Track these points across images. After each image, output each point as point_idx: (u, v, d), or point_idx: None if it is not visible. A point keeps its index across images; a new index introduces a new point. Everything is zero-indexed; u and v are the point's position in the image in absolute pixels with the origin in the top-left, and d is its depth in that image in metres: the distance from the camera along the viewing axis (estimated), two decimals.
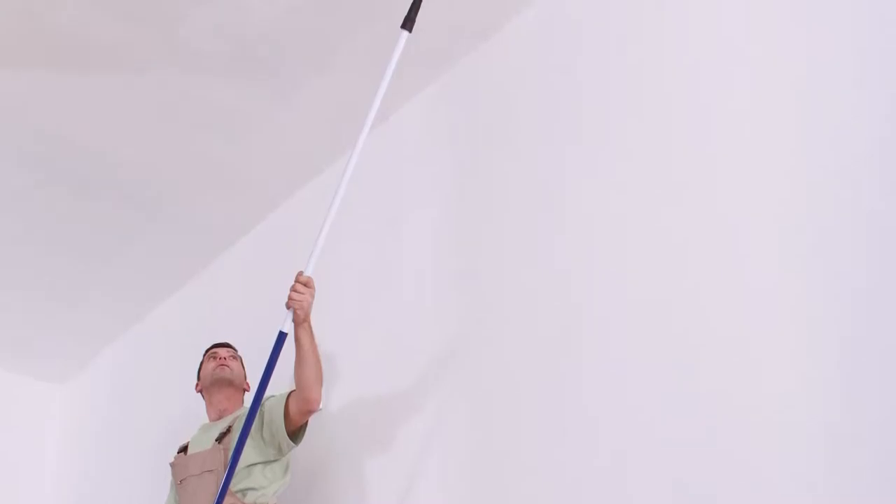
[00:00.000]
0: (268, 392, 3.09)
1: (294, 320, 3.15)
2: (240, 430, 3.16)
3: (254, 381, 3.40)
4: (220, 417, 3.76)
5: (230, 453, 3.27)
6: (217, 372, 3.81)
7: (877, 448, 2.32)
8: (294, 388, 3.39)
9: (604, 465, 2.89)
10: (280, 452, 3.49)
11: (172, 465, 3.72)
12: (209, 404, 3.84)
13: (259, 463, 3.46)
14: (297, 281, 3.13)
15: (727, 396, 2.61)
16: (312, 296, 3.16)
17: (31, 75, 3.77)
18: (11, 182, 4.33)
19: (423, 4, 3.11)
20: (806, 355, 2.47)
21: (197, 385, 3.92)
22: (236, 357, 3.91)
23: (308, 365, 3.29)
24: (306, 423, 3.48)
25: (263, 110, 4.00)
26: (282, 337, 3.05)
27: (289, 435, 3.43)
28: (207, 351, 3.94)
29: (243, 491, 3.41)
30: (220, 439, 3.59)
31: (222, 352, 3.89)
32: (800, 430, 2.45)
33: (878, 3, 2.57)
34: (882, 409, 2.32)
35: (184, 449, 3.75)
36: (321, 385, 3.37)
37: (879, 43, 2.54)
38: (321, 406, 3.44)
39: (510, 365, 3.24)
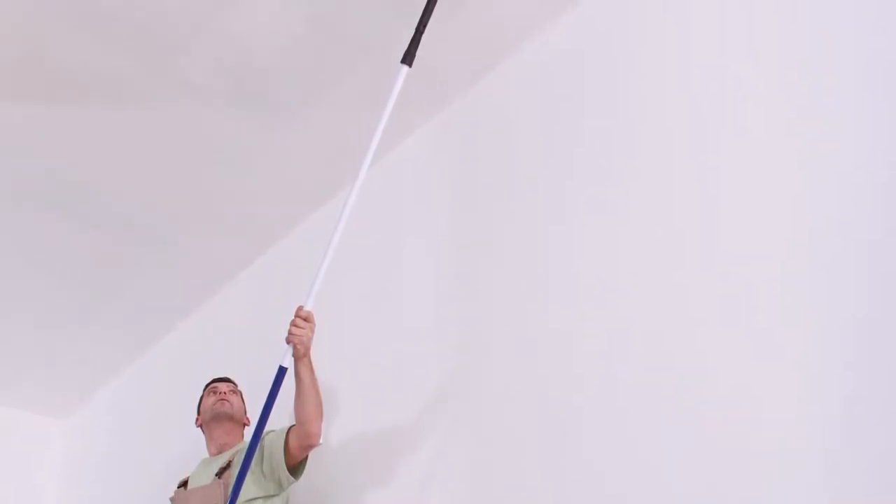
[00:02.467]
0: (268, 426, 3.08)
1: (294, 355, 3.15)
2: (240, 464, 3.16)
3: (254, 416, 3.40)
4: (220, 452, 3.75)
5: (230, 488, 3.26)
6: (217, 407, 3.80)
7: (878, 485, 2.32)
8: (294, 422, 3.39)
9: (604, 496, 2.88)
10: (280, 487, 3.48)
11: (172, 499, 3.71)
12: (209, 439, 3.84)
13: (259, 497, 3.45)
14: (296, 315, 3.12)
15: (728, 436, 2.60)
16: (312, 330, 3.15)
17: (32, 110, 3.78)
18: (11, 216, 4.33)
19: (423, 39, 3.13)
20: (808, 395, 2.47)
21: (197, 420, 3.91)
22: (236, 391, 3.91)
23: (308, 400, 3.28)
24: (306, 458, 3.47)
25: (264, 144, 4.01)
26: (282, 372, 3.04)
27: (289, 469, 3.42)
28: (207, 385, 3.94)
29: None
30: (220, 474, 3.58)
31: (222, 386, 3.89)
32: (801, 468, 2.45)
33: (880, 33, 2.58)
34: (884, 448, 2.31)
35: (184, 483, 3.74)
36: (321, 420, 3.36)
37: (882, 73, 2.55)
38: (321, 440, 3.43)
39: (510, 398, 3.23)
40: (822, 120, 2.64)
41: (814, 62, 2.72)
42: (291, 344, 3.12)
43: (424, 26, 3.13)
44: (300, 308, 3.12)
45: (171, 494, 3.74)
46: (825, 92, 2.66)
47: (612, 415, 2.91)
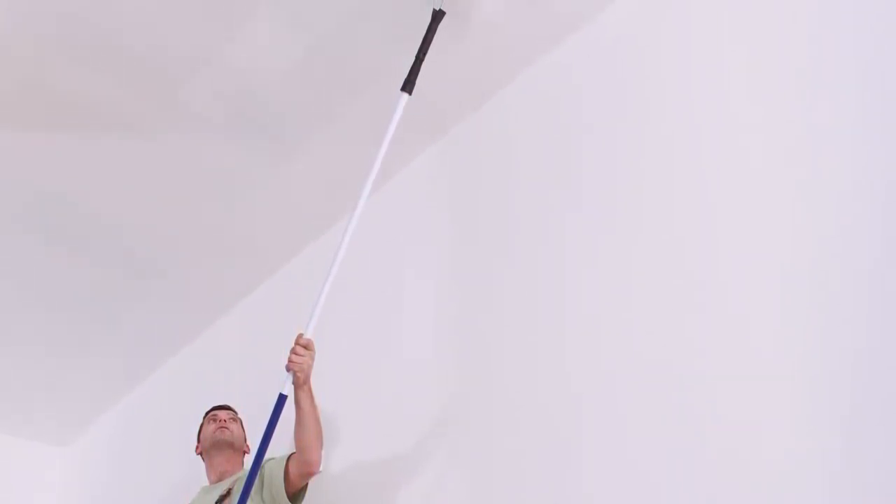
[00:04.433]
0: (268, 454, 3.07)
1: (294, 383, 3.14)
2: (240, 492, 3.15)
3: (254, 444, 3.39)
4: (220, 479, 3.75)
5: None
6: (217, 434, 3.80)
7: None
8: (294, 450, 3.38)
9: None
10: None
11: None
12: (209, 466, 3.83)
13: None
14: (297, 343, 3.12)
15: (729, 459, 2.59)
16: (312, 358, 3.15)
17: (32, 138, 3.79)
18: (11, 244, 4.34)
19: (422, 67, 3.14)
20: (808, 418, 2.46)
21: (197, 447, 3.91)
22: (236, 419, 3.90)
23: (308, 427, 3.28)
24: (306, 486, 3.46)
25: (264, 173, 4.02)
26: (282, 399, 3.04)
27: (289, 497, 3.41)
28: (207, 413, 3.93)
29: None
30: (220, 501, 3.57)
31: (222, 414, 3.88)
32: (802, 491, 2.44)
33: (880, 70, 2.59)
34: (884, 469, 2.31)
35: None
36: (321, 447, 3.36)
37: (881, 94, 2.55)
38: (321, 468, 3.42)
39: (511, 427, 3.22)
40: (821, 143, 2.65)
41: (813, 85, 2.72)
42: (291, 371, 3.11)
43: (424, 54, 3.15)
44: (300, 336, 3.12)
45: None
46: (824, 115, 2.67)
47: (613, 442, 2.90)
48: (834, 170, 2.60)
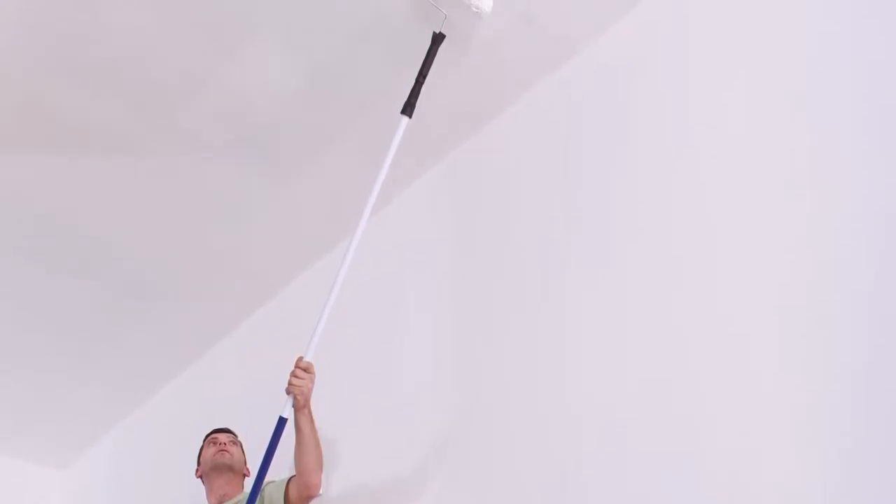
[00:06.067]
0: (268, 477, 3.07)
1: (294, 406, 3.14)
2: None
3: (254, 467, 3.38)
4: (220, 503, 3.74)
5: None
6: (217, 457, 3.79)
7: None
8: (294, 473, 3.37)
9: None
10: None
11: None
12: (209, 490, 3.82)
13: None
14: (297, 366, 3.12)
15: (728, 484, 2.59)
16: (312, 381, 3.15)
17: (32, 161, 3.80)
18: (11, 268, 4.34)
19: (422, 90, 3.15)
20: (807, 443, 2.46)
21: (197, 470, 3.90)
22: (236, 442, 3.90)
23: (308, 450, 3.27)
24: None
25: (264, 196, 4.02)
26: (282, 422, 3.04)
27: None
28: (207, 436, 3.93)
29: None
30: None
31: (222, 437, 3.88)
32: None
33: (877, 92, 2.59)
34: (883, 497, 2.30)
35: None
36: (321, 470, 3.35)
37: (879, 127, 2.55)
38: (321, 491, 3.41)
39: (510, 450, 3.21)
40: (820, 163, 2.65)
41: (811, 105, 2.72)
42: (291, 394, 3.12)
43: (424, 77, 3.15)
44: (300, 359, 3.12)
45: None
46: (822, 134, 2.67)
47: (612, 465, 2.90)
48: (833, 189, 2.60)
